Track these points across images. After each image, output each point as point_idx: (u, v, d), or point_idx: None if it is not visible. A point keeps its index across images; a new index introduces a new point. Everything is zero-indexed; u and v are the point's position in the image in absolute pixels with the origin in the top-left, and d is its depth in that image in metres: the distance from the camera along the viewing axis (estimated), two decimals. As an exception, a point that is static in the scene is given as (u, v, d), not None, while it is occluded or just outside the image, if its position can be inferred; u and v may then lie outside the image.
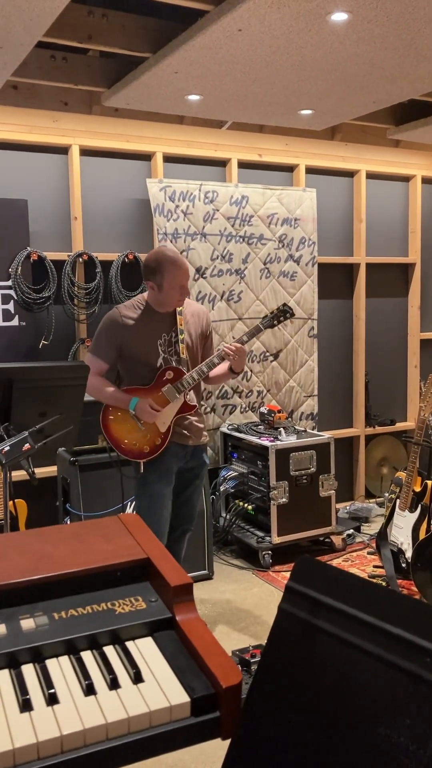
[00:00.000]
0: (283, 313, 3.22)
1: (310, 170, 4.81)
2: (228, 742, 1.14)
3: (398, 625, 1.07)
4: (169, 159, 4.33)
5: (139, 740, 0.98)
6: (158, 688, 1.06)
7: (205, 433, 3.24)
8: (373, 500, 5.14)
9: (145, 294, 3.12)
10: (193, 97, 3.66)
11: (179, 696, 1.04)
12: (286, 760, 1.14)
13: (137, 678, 1.08)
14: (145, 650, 1.15)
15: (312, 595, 1.20)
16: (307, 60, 3.13)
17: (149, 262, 3.02)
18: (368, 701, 1.09)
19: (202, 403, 4.36)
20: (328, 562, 4.17)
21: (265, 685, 1.20)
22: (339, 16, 2.65)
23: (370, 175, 5.07)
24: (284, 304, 3.27)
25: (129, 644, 1.16)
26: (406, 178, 5.28)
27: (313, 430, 4.71)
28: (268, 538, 4.10)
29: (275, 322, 3.22)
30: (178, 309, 3.13)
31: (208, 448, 3.94)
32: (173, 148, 4.31)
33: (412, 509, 3.81)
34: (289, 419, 4.59)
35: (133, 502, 3.20)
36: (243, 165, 4.58)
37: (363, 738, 1.07)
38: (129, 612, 1.20)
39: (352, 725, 1.10)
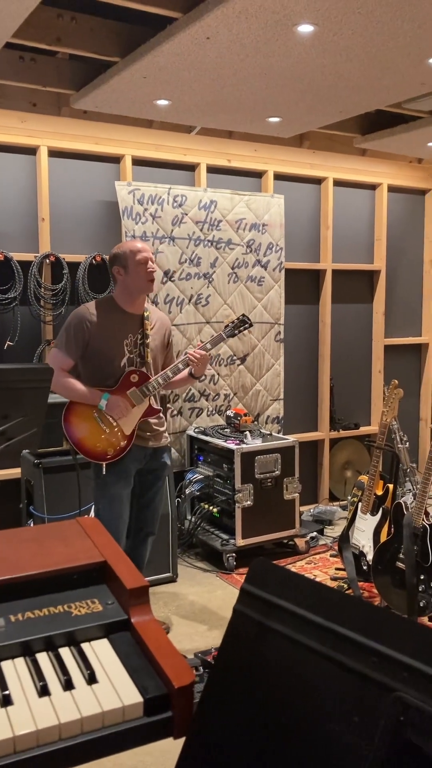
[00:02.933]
0: (242, 324, 3.34)
1: (278, 176, 4.86)
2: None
3: (346, 626, 1.10)
4: (138, 162, 4.34)
5: (92, 740, 1.00)
6: (112, 689, 1.08)
7: (166, 434, 3.26)
8: (337, 503, 5.21)
9: (114, 293, 3.16)
10: (162, 102, 3.68)
11: (132, 696, 1.06)
12: (239, 759, 1.16)
13: (91, 679, 1.10)
14: (101, 652, 1.17)
15: (265, 597, 1.23)
16: (274, 69, 3.17)
17: (113, 251, 3.13)
18: (318, 700, 1.12)
19: (168, 406, 4.39)
20: (292, 565, 4.23)
21: (218, 685, 1.23)
22: (305, 28, 2.70)
23: (338, 183, 5.15)
24: (243, 315, 3.38)
25: (84, 646, 1.18)
26: (372, 186, 5.37)
27: (278, 433, 4.75)
28: (232, 541, 4.13)
29: (236, 332, 3.33)
30: (146, 314, 3.15)
31: (172, 450, 3.96)
32: (142, 151, 4.32)
33: (373, 512, 3.88)
34: (255, 423, 4.63)
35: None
36: (212, 170, 4.61)
37: (312, 735, 1.10)
38: (85, 614, 1.22)
39: (303, 723, 1.13)
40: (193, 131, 4.47)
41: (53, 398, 2.82)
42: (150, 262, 3.04)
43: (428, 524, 3.36)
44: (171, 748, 1.20)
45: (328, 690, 1.11)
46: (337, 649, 1.10)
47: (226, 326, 3.35)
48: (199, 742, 1.15)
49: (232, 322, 3.35)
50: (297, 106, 3.79)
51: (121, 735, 1.01)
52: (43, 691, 1.07)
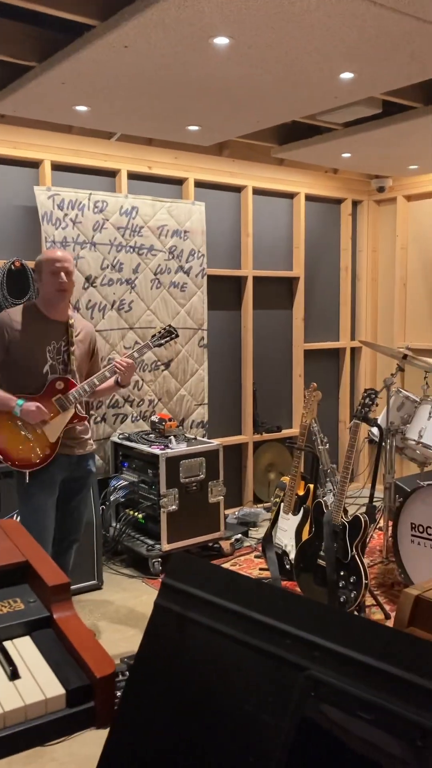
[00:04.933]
0: (169, 334, 3.42)
1: (198, 184, 4.94)
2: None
3: (261, 611, 1.16)
4: (57, 167, 4.32)
5: (15, 733, 1.01)
6: (34, 683, 1.09)
7: (91, 442, 3.26)
8: (261, 505, 5.31)
9: (36, 300, 3.15)
10: (81, 108, 3.68)
11: (55, 689, 1.08)
12: (163, 744, 1.20)
13: (14, 675, 1.11)
14: (23, 648, 1.18)
15: (184, 589, 1.28)
16: (192, 79, 3.24)
17: (35, 263, 3.13)
18: (236, 683, 1.17)
19: (92, 412, 4.37)
20: (217, 567, 4.28)
21: (140, 676, 1.26)
22: (221, 41, 2.77)
23: (257, 191, 5.27)
24: (169, 326, 3.46)
25: (6, 644, 1.18)
26: (290, 195, 5.52)
27: (203, 437, 4.81)
28: (158, 546, 4.15)
29: (162, 341, 3.40)
30: (70, 321, 3.15)
31: (96, 457, 3.95)
32: (62, 156, 4.31)
33: (295, 512, 3.98)
34: (180, 427, 4.67)
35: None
36: (133, 176, 4.64)
37: (232, 718, 1.15)
38: (7, 613, 1.22)
39: (222, 707, 1.17)
40: (113, 137, 4.48)
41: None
42: (62, 273, 3.03)
43: (347, 522, 3.49)
44: (96, 753, 1.22)
45: (245, 673, 1.16)
46: (252, 634, 1.15)
47: (153, 336, 3.41)
48: (124, 730, 1.18)
49: (159, 332, 3.40)
50: (215, 115, 3.87)
51: (44, 727, 1.03)
52: (-36, 689, 1.07)
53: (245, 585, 1.22)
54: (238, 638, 1.15)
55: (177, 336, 3.46)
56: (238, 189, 5.20)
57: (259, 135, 4.58)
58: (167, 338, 3.41)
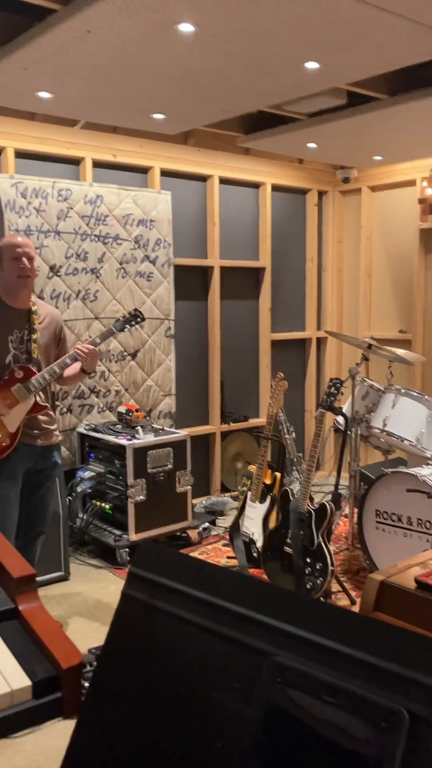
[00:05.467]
0: (134, 318, 3.34)
1: (164, 173, 4.91)
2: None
3: (227, 599, 1.16)
4: (21, 155, 4.25)
5: (-20, 726, 1.01)
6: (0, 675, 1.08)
7: (56, 433, 3.23)
8: (228, 494, 5.33)
9: None
10: (44, 95, 3.63)
11: (21, 680, 1.08)
12: (130, 735, 1.20)
13: (-22, 668, 1.10)
14: (-13, 641, 1.17)
15: (151, 578, 1.27)
16: (157, 66, 3.21)
17: None
18: (203, 672, 1.17)
19: (57, 403, 4.33)
20: (185, 556, 4.29)
21: (108, 665, 1.26)
22: (186, 27, 2.75)
23: (223, 181, 5.26)
24: (135, 309, 3.39)
25: (-29, 637, 1.17)
26: (256, 185, 5.52)
27: (170, 428, 4.80)
28: (125, 536, 4.14)
29: (127, 326, 3.33)
30: (33, 308, 3.11)
31: (62, 448, 3.92)
32: (25, 144, 4.24)
33: (262, 501, 4.01)
34: (147, 418, 4.66)
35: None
36: (98, 164, 4.59)
37: (199, 706, 1.16)
38: (-29, 606, 1.21)
39: (190, 696, 1.18)
40: (77, 125, 4.43)
41: None
42: (24, 259, 2.98)
43: (313, 509, 3.52)
44: (64, 745, 1.21)
45: (212, 661, 1.16)
46: (219, 622, 1.15)
47: (117, 320, 3.35)
48: (90, 722, 1.17)
49: (124, 316, 3.35)
50: (181, 103, 3.84)
51: (10, 718, 1.02)
52: None
53: (212, 573, 1.22)
54: (205, 626, 1.16)
55: (143, 319, 3.38)
56: (204, 178, 5.18)
57: (224, 124, 4.56)
58: (132, 322, 3.33)
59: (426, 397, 3.94)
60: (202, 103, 3.84)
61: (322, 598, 3.45)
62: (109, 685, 1.24)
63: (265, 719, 1.06)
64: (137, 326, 3.65)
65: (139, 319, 3.35)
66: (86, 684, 1.20)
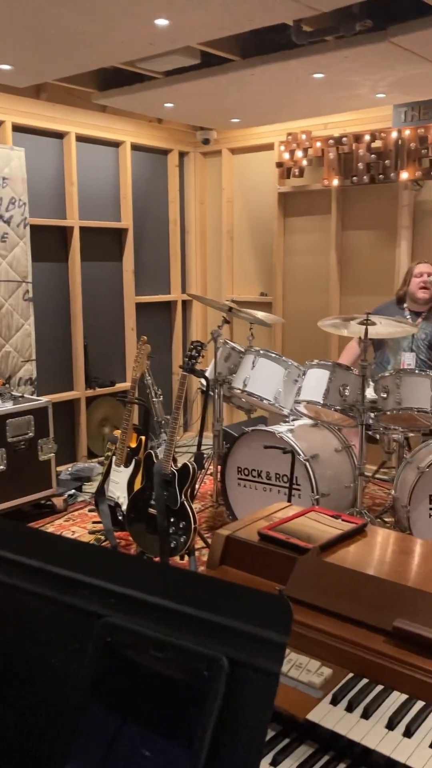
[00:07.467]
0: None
1: (17, 128, 4.68)
2: None
3: (59, 564, 1.17)
4: None
5: None
6: None
7: None
8: (95, 460, 5.30)
9: None
10: None
11: None
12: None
13: None
14: None
15: (-15, 550, 1.25)
16: (3, 14, 3.03)
17: None
18: (41, 638, 1.18)
19: None
20: (50, 524, 4.25)
21: None
22: (25, -27, 2.61)
23: (81, 138, 5.09)
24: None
25: None
26: (116, 144, 5.40)
27: (32, 395, 4.68)
28: (-13, 507, 4.03)
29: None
30: None
31: None
32: None
33: (127, 465, 4.02)
34: (7, 385, 4.51)
35: None
36: None
37: (39, 673, 1.16)
38: None
39: (29, 664, 1.18)
40: None
41: None
42: None
43: (176, 470, 3.58)
44: None
45: (48, 627, 1.17)
46: (52, 588, 1.16)
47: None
48: None
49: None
50: (30, 55, 3.66)
51: None
52: None
53: (46, 541, 1.22)
54: (37, 593, 1.16)
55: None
56: (60, 135, 5.00)
57: (78, 79, 4.40)
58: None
59: (283, 358, 4.08)
60: (53, 56, 3.67)
61: (186, 555, 3.54)
62: None
63: (97, 677, 1.09)
64: None
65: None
66: None
